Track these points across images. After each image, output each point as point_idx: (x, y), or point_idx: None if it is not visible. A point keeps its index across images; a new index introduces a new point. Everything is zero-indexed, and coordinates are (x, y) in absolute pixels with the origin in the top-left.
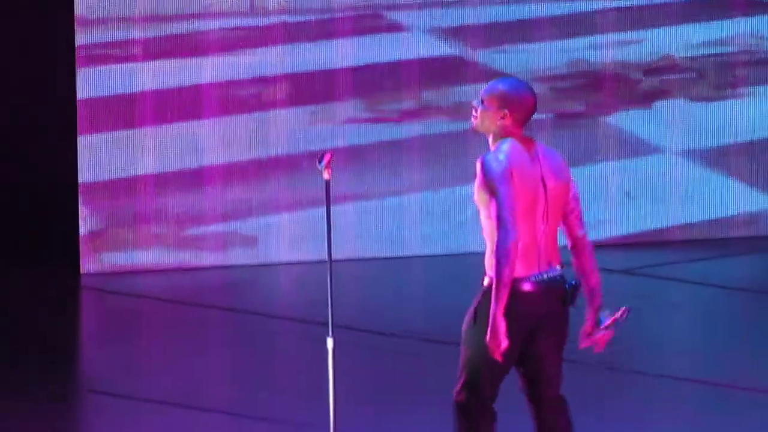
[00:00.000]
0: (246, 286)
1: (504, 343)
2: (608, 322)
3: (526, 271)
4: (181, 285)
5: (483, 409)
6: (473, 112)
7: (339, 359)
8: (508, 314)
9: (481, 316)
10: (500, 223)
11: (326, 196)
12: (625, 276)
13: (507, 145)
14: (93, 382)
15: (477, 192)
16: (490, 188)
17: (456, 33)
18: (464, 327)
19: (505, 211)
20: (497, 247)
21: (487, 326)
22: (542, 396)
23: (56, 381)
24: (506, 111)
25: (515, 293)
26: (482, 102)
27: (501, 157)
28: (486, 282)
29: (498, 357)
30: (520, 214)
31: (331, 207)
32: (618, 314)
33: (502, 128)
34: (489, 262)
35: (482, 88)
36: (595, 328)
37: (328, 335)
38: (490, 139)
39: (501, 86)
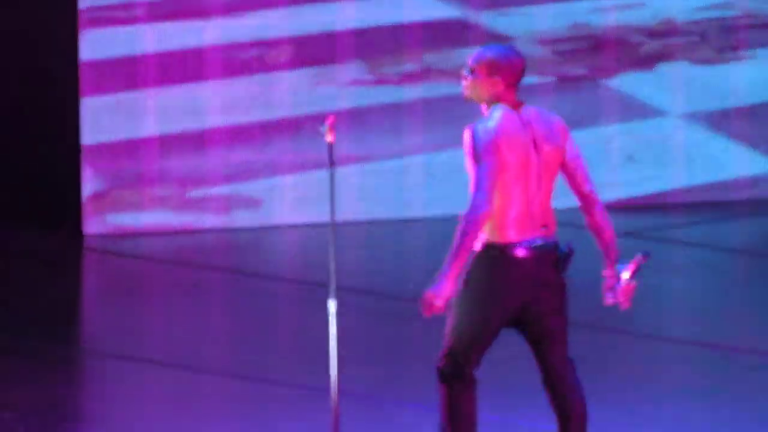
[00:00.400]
0: (249, 248)
1: (439, 305)
2: (629, 271)
3: (519, 236)
4: (185, 247)
5: (463, 376)
6: (463, 82)
7: (341, 322)
8: (502, 280)
9: (470, 281)
10: (479, 189)
11: (329, 158)
12: (626, 239)
13: (498, 113)
14: (95, 343)
15: (467, 162)
16: (476, 156)
17: None
18: None
19: (486, 180)
20: (470, 211)
21: (476, 292)
22: (547, 359)
23: (58, 343)
24: (498, 78)
25: (509, 259)
26: (472, 71)
27: (490, 125)
28: (478, 246)
29: (426, 313)
30: (510, 181)
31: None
32: (636, 263)
33: (494, 95)
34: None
35: None
36: (615, 283)
37: (330, 297)
38: (484, 107)
39: (489, 53)
